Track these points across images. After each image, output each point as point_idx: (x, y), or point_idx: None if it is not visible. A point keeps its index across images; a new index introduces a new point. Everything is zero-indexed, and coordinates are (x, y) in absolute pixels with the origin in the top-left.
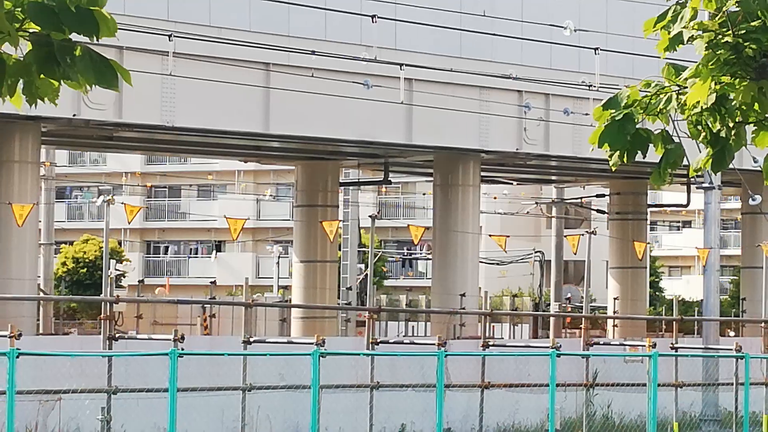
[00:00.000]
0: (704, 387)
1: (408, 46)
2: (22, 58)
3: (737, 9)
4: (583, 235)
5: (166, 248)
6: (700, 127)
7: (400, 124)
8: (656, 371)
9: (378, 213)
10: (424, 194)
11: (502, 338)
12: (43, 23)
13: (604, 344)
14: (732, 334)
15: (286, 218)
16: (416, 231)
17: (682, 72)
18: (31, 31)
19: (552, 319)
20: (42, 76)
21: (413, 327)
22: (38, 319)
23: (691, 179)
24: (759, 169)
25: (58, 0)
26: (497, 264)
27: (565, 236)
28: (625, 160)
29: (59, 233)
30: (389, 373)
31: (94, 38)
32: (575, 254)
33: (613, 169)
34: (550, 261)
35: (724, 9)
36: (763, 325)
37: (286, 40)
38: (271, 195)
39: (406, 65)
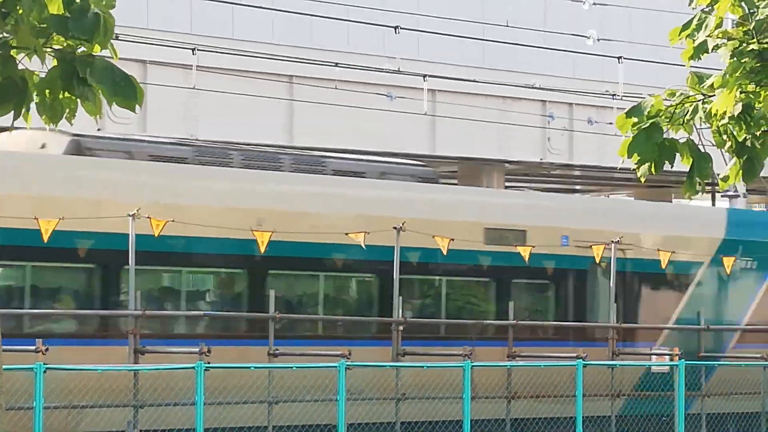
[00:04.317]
0: None
1: (431, 56)
2: (43, 76)
3: (763, 18)
4: (608, 244)
5: None
6: (725, 137)
7: (423, 135)
8: (683, 380)
9: (403, 224)
10: None
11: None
12: (60, 29)
13: (630, 353)
14: None
15: None
16: (442, 241)
17: (706, 80)
18: (55, 47)
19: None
20: (65, 93)
21: None
22: None
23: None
24: None
25: (78, 6)
26: None
27: (590, 246)
28: (653, 170)
29: None
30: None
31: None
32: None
33: (642, 180)
34: None
35: (750, 18)
36: None
37: (309, 52)
38: None
39: (430, 76)
